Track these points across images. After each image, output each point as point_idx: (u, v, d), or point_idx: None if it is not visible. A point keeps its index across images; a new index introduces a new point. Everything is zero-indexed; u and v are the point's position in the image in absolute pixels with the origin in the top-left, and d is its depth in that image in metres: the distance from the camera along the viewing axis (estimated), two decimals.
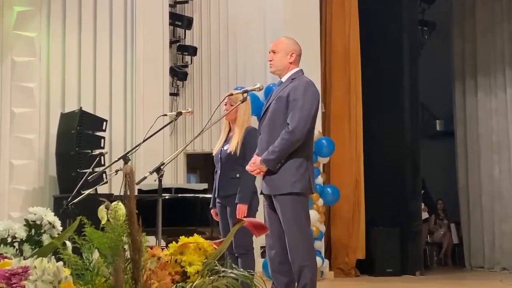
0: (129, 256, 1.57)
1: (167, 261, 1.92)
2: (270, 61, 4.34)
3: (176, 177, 9.73)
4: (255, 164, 4.22)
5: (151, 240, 4.12)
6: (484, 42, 11.47)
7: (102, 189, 7.10)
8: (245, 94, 4.30)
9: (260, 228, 2.19)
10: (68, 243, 2.00)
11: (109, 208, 1.65)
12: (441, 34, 12.79)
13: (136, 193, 5.23)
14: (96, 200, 2.15)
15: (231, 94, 4.66)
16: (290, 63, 4.31)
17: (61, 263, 1.66)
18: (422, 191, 11.65)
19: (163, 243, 5.19)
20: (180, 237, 2.07)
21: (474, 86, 11.60)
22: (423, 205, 12.18)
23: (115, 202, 1.75)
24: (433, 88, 13.09)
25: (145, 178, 3.85)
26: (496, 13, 11.38)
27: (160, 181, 3.90)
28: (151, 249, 1.93)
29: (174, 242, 2.03)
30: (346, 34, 9.95)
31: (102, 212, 1.83)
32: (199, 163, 11.74)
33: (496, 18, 11.37)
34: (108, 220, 1.74)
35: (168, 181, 8.60)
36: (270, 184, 4.22)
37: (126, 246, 1.59)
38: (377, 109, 10.01)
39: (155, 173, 3.87)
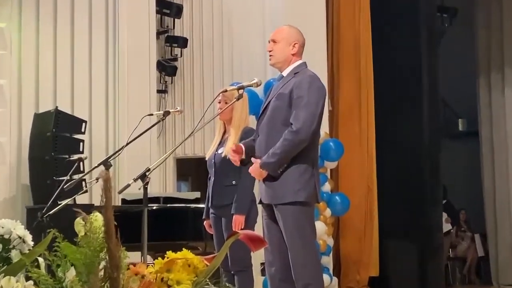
0: (107, 274, 1.57)
1: (152, 280, 1.92)
2: (270, 51, 4.34)
3: (165, 185, 9.72)
4: (253, 168, 4.22)
5: (136, 256, 4.13)
6: None
7: (81, 198, 7.08)
8: (241, 91, 4.31)
9: (257, 242, 2.20)
10: (41, 260, 2.00)
11: (86, 220, 1.65)
12: (464, 21, 12.81)
13: (119, 203, 5.22)
14: (74, 212, 2.15)
15: (225, 91, 4.67)
16: (293, 54, 4.31)
17: (31, 282, 1.65)
18: (444, 201, 11.66)
19: (150, 260, 5.19)
20: (168, 252, 2.07)
21: (501, 80, 11.61)
22: (445, 216, 12.19)
23: (92, 213, 1.76)
24: (455, 82, 13.11)
25: (128, 186, 3.85)
26: None
27: (145, 189, 3.91)
28: (134, 266, 1.92)
29: (160, 258, 2.03)
30: (356, 22, 9.95)
31: (78, 225, 1.83)
32: (190, 169, 11.74)
33: None
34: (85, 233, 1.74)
35: (155, 190, 8.60)
36: (270, 193, 4.21)
37: (103, 263, 1.59)
38: (392, 107, 10.01)
39: (139, 180, 3.87)
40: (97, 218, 1.69)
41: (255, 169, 4.20)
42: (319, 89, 4.24)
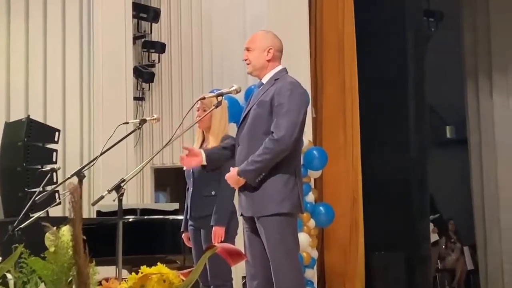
0: None
1: None
2: (246, 60, 4.34)
3: (142, 195, 9.69)
4: (229, 175, 4.21)
5: (111, 270, 4.10)
6: (499, 34, 11.56)
7: (54, 211, 7.03)
8: (220, 98, 4.30)
9: (236, 255, 2.18)
10: (10, 276, 1.98)
11: (54, 235, 1.63)
12: (450, 25, 12.89)
13: (94, 215, 5.17)
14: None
15: (204, 98, 4.65)
16: (268, 60, 4.30)
17: None
18: (437, 215, 11.72)
19: (126, 274, 5.16)
20: (142, 267, 2.05)
21: (489, 85, 11.69)
22: (432, 226, 12.23)
23: (60, 227, 1.74)
24: (442, 88, 13.18)
25: (102, 197, 3.83)
26: None
27: (120, 201, 3.88)
28: (107, 281, 1.91)
29: (134, 274, 2.02)
30: (340, 27, 9.98)
31: (48, 239, 1.81)
32: (169, 179, 11.71)
33: None
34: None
35: (132, 201, 8.56)
36: (252, 204, 4.19)
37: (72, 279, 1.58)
38: (377, 114, 10.06)
39: (114, 191, 3.85)
40: (65, 233, 1.67)
41: (232, 176, 4.18)
42: (300, 96, 4.23)
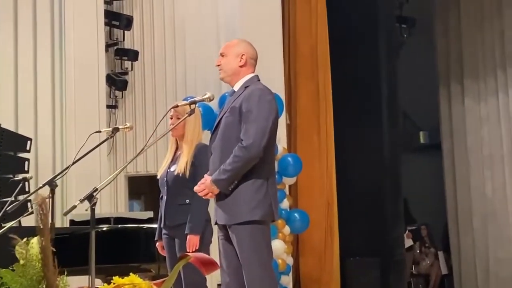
0: None
1: None
2: (218, 65, 4.33)
3: (116, 204, 9.63)
4: (204, 184, 4.19)
5: (85, 280, 4.06)
6: (471, 41, 11.66)
7: (26, 221, 6.96)
8: (193, 106, 4.28)
9: (209, 265, 2.17)
10: None
11: (22, 247, 1.60)
12: (423, 31, 12.96)
13: (67, 225, 5.12)
14: (20, 235, 2.10)
15: (177, 106, 4.64)
16: (241, 66, 4.30)
17: None
18: (414, 227, 11.77)
19: (100, 283, 5.11)
20: (114, 277, 2.03)
21: (461, 91, 11.78)
22: (406, 231, 12.29)
23: (29, 239, 1.71)
24: (415, 94, 13.24)
25: (74, 207, 3.79)
26: (485, 7, 11.59)
27: (92, 210, 3.85)
28: None
29: (106, 285, 2.00)
30: (313, 33, 10.02)
31: (18, 252, 1.79)
32: (143, 188, 11.65)
33: (485, 12, 11.58)
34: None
35: (106, 209, 8.51)
36: (224, 212, 4.18)
37: None
38: (351, 120, 10.09)
39: (86, 201, 3.81)
40: (34, 245, 1.65)
41: (207, 185, 4.17)
42: (269, 102, 4.21)
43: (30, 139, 7.98)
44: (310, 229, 9.21)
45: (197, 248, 4.82)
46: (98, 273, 4.29)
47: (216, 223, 4.31)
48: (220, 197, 4.19)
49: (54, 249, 1.61)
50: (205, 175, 4.25)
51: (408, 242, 12.49)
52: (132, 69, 9.95)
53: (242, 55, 4.31)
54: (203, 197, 4.30)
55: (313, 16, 10.03)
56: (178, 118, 4.88)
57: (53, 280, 1.45)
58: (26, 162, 7.80)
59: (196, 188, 4.25)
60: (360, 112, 10.19)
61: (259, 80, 4.35)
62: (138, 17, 9.99)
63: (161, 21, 9.92)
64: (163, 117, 4.60)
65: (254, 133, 4.09)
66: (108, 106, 9.51)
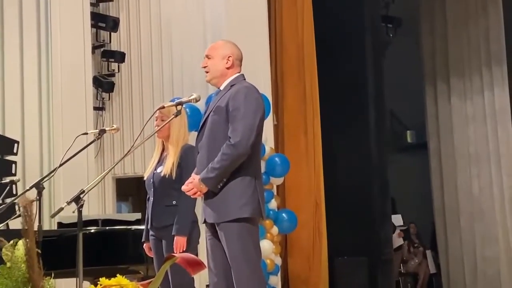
0: None
1: None
2: (205, 67, 4.34)
3: (104, 206, 9.61)
4: (193, 183, 4.19)
5: (73, 282, 4.06)
6: (457, 40, 11.72)
7: (14, 223, 6.95)
8: (179, 107, 4.29)
9: (196, 265, 2.18)
10: None
11: (8, 249, 1.61)
12: (408, 31, 13.02)
13: (55, 227, 5.11)
14: (7, 238, 2.11)
15: (163, 107, 4.64)
16: (227, 68, 4.32)
17: None
18: (405, 227, 11.81)
19: (88, 285, 5.12)
20: (101, 279, 2.04)
21: (447, 90, 11.83)
22: (398, 231, 12.32)
23: (14, 241, 1.72)
24: (402, 93, 13.30)
25: (61, 209, 3.80)
26: (470, 6, 11.65)
27: (79, 212, 3.86)
28: None
29: (92, 286, 2.00)
30: (299, 34, 10.04)
31: (5, 254, 1.79)
32: (130, 189, 11.63)
33: (471, 11, 11.64)
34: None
35: (94, 211, 8.49)
36: (212, 211, 4.19)
37: None
38: (338, 120, 10.11)
39: (73, 203, 3.82)
40: (20, 248, 1.66)
41: (195, 184, 4.17)
42: (256, 100, 4.22)
43: (17, 142, 7.95)
44: (298, 229, 9.23)
45: (184, 249, 4.82)
46: (86, 275, 4.29)
47: (204, 222, 4.32)
48: (208, 196, 4.19)
49: (40, 251, 1.62)
50: (193, 174, 4.26)
51: (399, 241, 12.53)
52: (119, 71, 9.94)
53: (228, 57, 4.33)
54: (191, 196, 4.30)
55: (299, 16, 10.05)
56: (163, 120, 4.89)
57: (38, 281, 1.46)
58: (13, 165, 7.77)
59: (184, 188, 4.25)
60: (347, 111, 10.22)
61: (244, 79, 4.37)
62: (125, 18, 9.98)
63: (148, 23, 9.91)
64: (150, 118, 4.61)
65: (242, 130, 4.10)
66: (95, 108, 9.49)
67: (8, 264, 1.74)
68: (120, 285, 1.95)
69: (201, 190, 4.17)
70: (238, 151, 4.09)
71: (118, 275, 2.06)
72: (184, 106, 4.46)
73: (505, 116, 11.19)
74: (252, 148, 4.14)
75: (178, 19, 9.73)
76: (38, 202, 3.94)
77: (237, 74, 4.36)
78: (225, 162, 4.09)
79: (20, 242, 1.71)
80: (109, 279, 2.19)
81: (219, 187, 4.13)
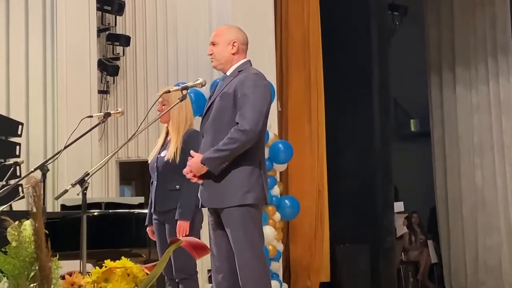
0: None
1: None
2: (211, 54, 4.34)
3: (107, 189, 9.64)
4: (192, 161, 4.18)
5: (76, 264, 4.08)
6: (463, 29, 11.68)
7: (18, 205, 6.97)
8: (184, 91, 4.30)
9: (200, 249, 2.20)
10: None
11: (15, 229, 1.63)
12: (414, 19, 12.99)
13: (59, 209, 5.14)
14: (11, 219, 2.12)
15: (169, 91, 4.64)
16: (233, 54, 4.31)
17: None
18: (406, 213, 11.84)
19: (91, 268, 5.15)
20: (106, 261, 2.05)
21: (452, 79, 11.81)
22: (402, 219, 12.33)
23: (21, 221, 1.73)
24: (407, 82, 13.27)
25: (65, 191, 3.81)
26: None
27: (84, 195, 3.87)
28: (70, 275, 1.91)
29: (97, 268, 2.02)
30: (305, 21, 10.02)
31: (10, 234, 1.81)
32: (134, 173, 11.66)
33: (477, 0, 11.59)
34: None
35: (97, 194, 8.53)
36: (215, 196, 4.19)
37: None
38: (342, 108, 10.11)
39: (78, 185, 3.83)
40: (27, 227, 1.67)
41: (195, 163, 4.15)
42: (264, 87, 4.23)
43: (22, 124, 7.97)
44: (300, 215, 9.24)
45: (187, 233, 4.84)
46: (89, 258, 4.30)
47: (201, 206, 4.32)
48: (212, 181, 4.18)
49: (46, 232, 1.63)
50: (192, 152, 4.23)
51: (403, 230, 12.54)
52: (123, 54, 9.93)
53: (233, 42, 4.32)
54: (187, 176, 4.27)
55: (305, 2, 10.03)
56: (164, 105, 4.90)
57: (46, 261, 1.47)
58: (18, 147, 7.80)
59: (185, 170, 4.26)
60: (351, 99, 10.21)
61: (251, 65, 4.37)
62: (130, 2, 9.96)
63: (153, 6, 9.89)
64: (155, 103, 4.62)
65: (251, 117, 4.10)
66: (99, 92, 9.50)
67: (14, 244, 1.75)
68: (124, 267, 1.96)
69: (199, 171, 4.15)
70: (247, 137, 4.09)
71: (122, 257, 2.07)
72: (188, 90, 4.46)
73: (510, 106, 11.18)
74: (259, 135, 4.15)
75: (183, 3, 9.71)
76: (42, 184, 3.97)
77: (244, 60, 4.35)
78: (232, 146, 4.08)
79: (27, 222, 1.72)
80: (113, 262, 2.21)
81: (219, 169, 4.12)
